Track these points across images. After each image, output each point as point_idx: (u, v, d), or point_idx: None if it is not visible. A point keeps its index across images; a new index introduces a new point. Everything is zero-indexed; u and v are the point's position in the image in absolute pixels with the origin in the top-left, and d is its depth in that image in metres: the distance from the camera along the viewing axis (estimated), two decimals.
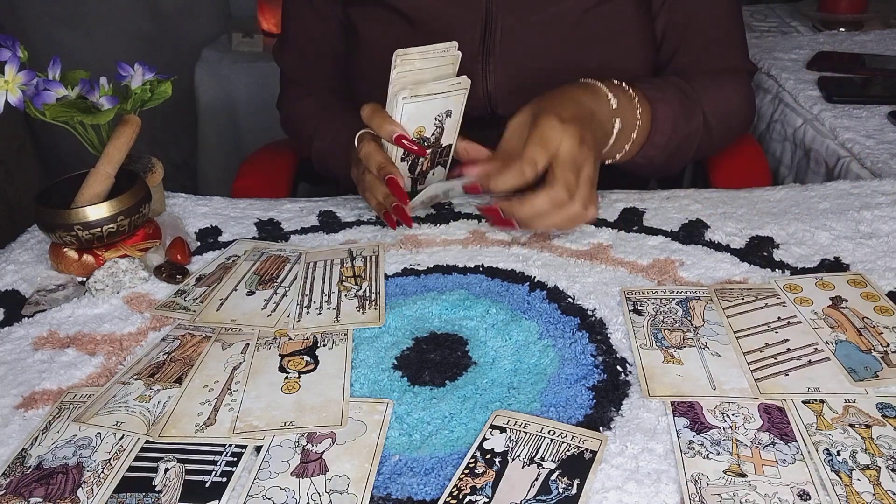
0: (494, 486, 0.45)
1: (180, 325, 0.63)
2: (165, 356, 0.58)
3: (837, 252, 0.68)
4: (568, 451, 0.47)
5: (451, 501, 0.44)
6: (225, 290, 0.67)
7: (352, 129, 0.78)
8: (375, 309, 0.62)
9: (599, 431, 0.49)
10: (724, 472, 0.45)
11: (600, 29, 0.86)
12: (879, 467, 0.45)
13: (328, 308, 0.63)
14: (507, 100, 0.87)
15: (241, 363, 0.57)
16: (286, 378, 0.55)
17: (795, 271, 0.66)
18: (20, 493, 0.47)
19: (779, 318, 0.59)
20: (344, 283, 0.66)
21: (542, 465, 0.46)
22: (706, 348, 0.56)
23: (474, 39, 0.86)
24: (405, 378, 0.55)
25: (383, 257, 0.70)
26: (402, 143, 0.70)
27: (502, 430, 0.49)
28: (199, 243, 0.77)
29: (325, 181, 1.13)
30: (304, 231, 0.78)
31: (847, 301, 0.60)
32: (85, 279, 0.70)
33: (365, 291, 0.65)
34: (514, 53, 0.86)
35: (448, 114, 0.72)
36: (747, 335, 0.57)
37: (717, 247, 0.70)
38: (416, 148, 0.71)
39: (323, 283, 0.66)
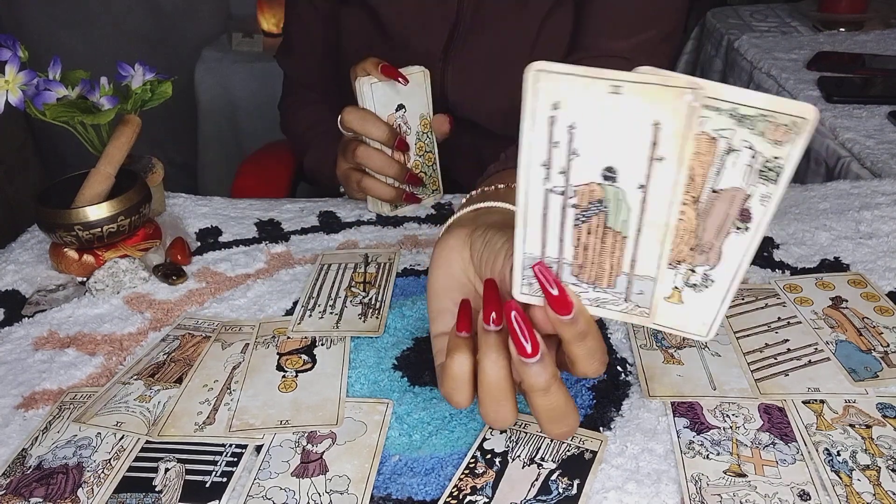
0: (494, 487, 0.45)
1: (180, 325, 0.63)
2: (165, 356, 0.58)
3: (837, 252, 0.68)
4: (568, 451, 0.47)
5: (452, 501, 0.44)
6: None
7: (336, 147, 0.85)
8: (377, 318, 0.62)
9: (599, 431, 0.49)
10: (725, 473, 0.45)
11: (562, 33, 0.87)
12: (879, 467, 0.45)
13: (331, 313, 0.62)
14: (464, 102, 0.89)
15: (240, 363, 0.57)
16: (283, 377, 0.55)
17: (795, 271, 0.66)
18: (20, 493, 0.47)
19: (779, 318, 0.59)
20: (352, 289, 0.66)
21: (542, 465, 0.46)
22: (706, 348, 0.56)
23: (438, 44, 0.88)
24: (405, 378, 0.55)
25: (398, 264, 0.70)
26: (403, 146, 0.76)
27: (502, 430, 0.49)
28: (199, 243, 0.77)
29: None
30: (304, 231, 0.78)
31: (847, 301, 0.60)
32: (85, 279, 0.70)
33: (371, 299, 0.64)
34: (473, 58, 0.88)
35: (411, 96, 0.77)
36: (747, 335, 0.57)
37: None
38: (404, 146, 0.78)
39: (332, 287, 0.66)
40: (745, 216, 0.35)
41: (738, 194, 0.35)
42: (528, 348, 0.39)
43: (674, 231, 0.35)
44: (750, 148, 0.33)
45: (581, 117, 0.34)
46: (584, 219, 0.37)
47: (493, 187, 0.53)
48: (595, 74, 0.33)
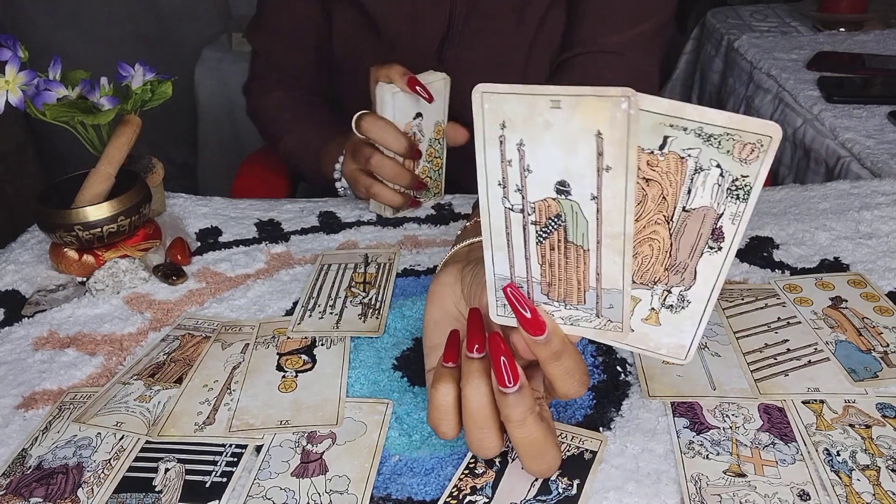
0: (494, 487, 0.45)
1: (180, 325, 0.63)
2: (165, 356, 0.58)
3: (837, 252, 0.68)
4: (568, 451, 0.47)
5: (451, 501, 0.44)
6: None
7: (321, 134, 0.87)
8: (377, 318, 0.62)
9: (599, 432, 0.49)
10: (724, 473, 0.45)
11: (557, 32, 0.87)
12: (879, 467, 0.45)
13: (331, 313, 0.62)
14: (459, 104, 0.89)
15: (240, 363, 0.57)
16: (283, 377, 0.55)
17: (795, 271, 0.66)
18: (20, 494, 0.47)
19: (779, 318, 0.59)
20: (352, 289, 0.66)
21: None
22: (706, 348, 0.56)
23: (432, 45, 0.88)
24: (405, 378, 0.55)
25: (398, 264, 0.70)
26: (417, 156, 0.76)
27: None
28: (199, 243, 0.77)
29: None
30: (304, 231, 0.78)
31: (847, 301, 0.60)
32: (85, 279, 0.70)
33: (371, 299, 0.64)
34: (469, 59, 0.88)
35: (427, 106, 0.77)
36: (747, 335, 0.57)
37: None
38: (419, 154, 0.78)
39: (332, 287, 0.66)
40: (717, 235, 0.36)
41: (708, 213, 0.35)
42: (507, 378, 0.39)
43: (632, 240, 0.36)
44: (718, 167, 0.34)
45: (527, 134, 0.35)
46: (545, 235, 0.37)
47: None
48: (535, 91, 0.33)
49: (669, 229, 0.37)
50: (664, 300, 0.38)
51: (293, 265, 0.72)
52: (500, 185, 0.37)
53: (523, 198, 0.37)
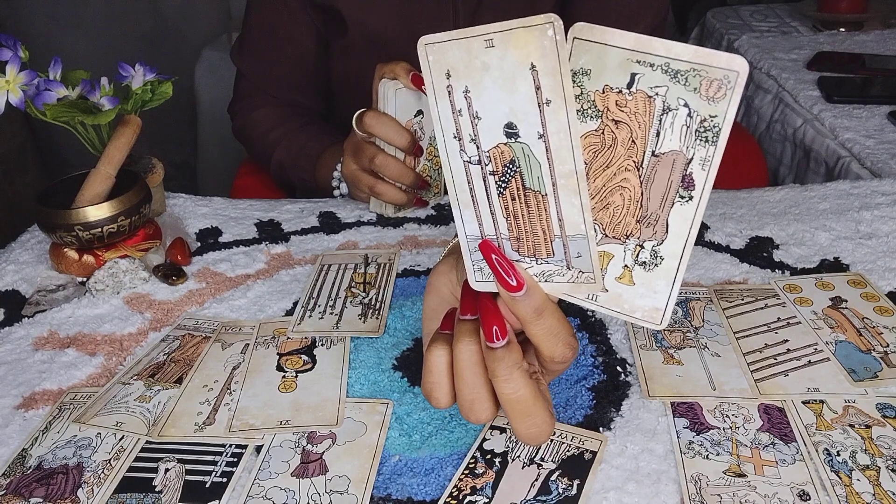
0: (494, 487, 0.45)
1: (180, 325, 0.63)
2: (165, 356, 0.58)
3: (837, 252, 0.68)
4: (568, 451, 0.47)
5: (451, 502, 0.44)
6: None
7: (321, 142, 0.87)
8: (377, 318, 0.62)
9: (599, 432, 0.49)
10: (724, 473, 0.45)
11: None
12: (879, 467, 0.45)
13: (331, 313, 0.62)
14: None
15: (240, 363, 0.57)
16: (283, 377, 0.55)
17: (795, 272, 0.66)
18: (20, 494, 0.47)
19: (778, 318, 0.59)
20: (352, 290, 0.66)
21: (542, 465, 0.46)
22: (706, 349, 0.56)
23: None
24: (405, 379, 0.55)
25: (398, 264, 0.70)
26: (419, 152, 0.76)
27: (502, 430, 0.49)
28: (199, 244, 0.77)
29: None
30: (304, 232, 0.78)
31: (847, 301, 0.60)
32: (85, 279, 0.70)
33: (371, 299, 0.64)
34: None
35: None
36: (747, 336, 0.57)
37: (717, 247, 0.70)
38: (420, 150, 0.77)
39: (332, 287, 0.66)
40: (687, 183, 0.35)
41: (678, 158, 0.35)
42: (495, 334, 0.39)
43: (584, 177, 0.36)
44: (686, 106, 0.33)
45: (470, 79, 0.35)
46: (504, 184, 0.38)
47: None
48: (470, 34, 0.34)
49: (640, 176, 0.36)
50: (637, 256, 0.38)
51: (293, 265, 0.72)
52: (455, 137, 0.37)
53: (478, 147, 0.37)
